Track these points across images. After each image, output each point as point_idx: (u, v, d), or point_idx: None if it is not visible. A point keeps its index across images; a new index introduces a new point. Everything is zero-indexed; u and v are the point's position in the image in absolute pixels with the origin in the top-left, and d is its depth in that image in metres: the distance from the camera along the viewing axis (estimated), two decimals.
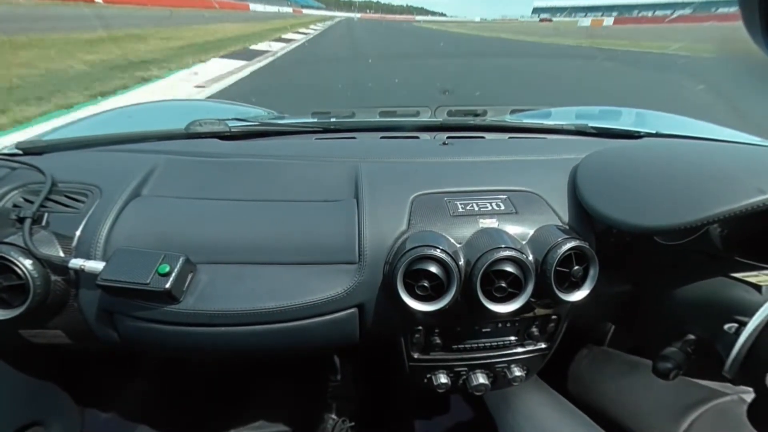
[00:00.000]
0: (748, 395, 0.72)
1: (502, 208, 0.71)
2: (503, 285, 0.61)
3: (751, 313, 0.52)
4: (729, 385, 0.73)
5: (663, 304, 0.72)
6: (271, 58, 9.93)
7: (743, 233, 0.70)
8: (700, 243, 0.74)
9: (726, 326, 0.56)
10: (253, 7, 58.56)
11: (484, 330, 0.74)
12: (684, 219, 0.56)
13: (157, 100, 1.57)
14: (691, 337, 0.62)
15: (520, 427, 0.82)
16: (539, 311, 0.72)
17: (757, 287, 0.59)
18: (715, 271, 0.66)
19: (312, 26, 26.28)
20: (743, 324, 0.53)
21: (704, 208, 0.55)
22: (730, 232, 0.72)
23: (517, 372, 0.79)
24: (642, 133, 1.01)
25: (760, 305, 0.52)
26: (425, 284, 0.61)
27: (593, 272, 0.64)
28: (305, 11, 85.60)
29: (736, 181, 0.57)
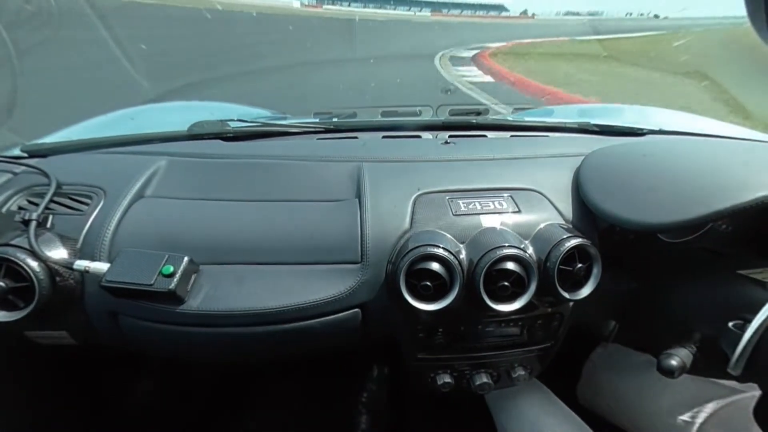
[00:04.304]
0: (755, 392, 0.71)
1: (505, 206, 0.71)
2: (506, 284, 0.61)
3: (756, 310, 0.52)
4: (734, 382, 0.73)
5: (667, 302, 0.71)
6: None
7: (748, 230, 0.69)
8: (705, 240, 0.74)
9: (731, 323, 0.55)
10: None
11: (487, 329, 0.74)
12: (687, 215, 0.56)
13: (160, 103, 1.58)
14: (696, 334, 0.61)
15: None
16: (542, 310, 0.72)
17: (763, 284, 0.59)
18: (719, 269, 0.65)
19: None
20: (748, 321, 0.53)
21: (708, 204, 0.55)
22: (734, 229, 0.71)
23: (521, 371, 0.79)
24: (645, 131, 1.00)
25: (766, 302, 0.52)
26: (428, 283, 0.60)
27: (596, 270, 0.64)
28: None
29: (740, 177, 0.57)
